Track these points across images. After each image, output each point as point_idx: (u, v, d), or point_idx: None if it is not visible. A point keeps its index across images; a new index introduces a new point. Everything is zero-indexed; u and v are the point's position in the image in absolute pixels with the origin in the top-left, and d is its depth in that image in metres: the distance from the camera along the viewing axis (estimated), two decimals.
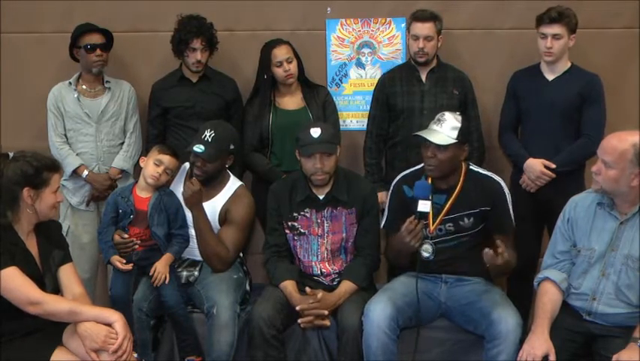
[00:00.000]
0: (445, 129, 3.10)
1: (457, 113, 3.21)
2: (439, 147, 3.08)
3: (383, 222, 3.37)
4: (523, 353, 2.79)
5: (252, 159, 3.86)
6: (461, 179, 3.19)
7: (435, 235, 3.20)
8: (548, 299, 2.91)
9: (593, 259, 2.88)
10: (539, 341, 2.78)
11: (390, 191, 3.35)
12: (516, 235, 3.23)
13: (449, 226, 3.18)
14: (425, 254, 3.20)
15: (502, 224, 3.18)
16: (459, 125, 3.11)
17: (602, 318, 2.85)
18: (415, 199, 3.02)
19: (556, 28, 3.54)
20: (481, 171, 3.26)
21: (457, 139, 3.09)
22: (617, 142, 2.77)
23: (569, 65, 3.67)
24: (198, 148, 3.30)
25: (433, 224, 3.18)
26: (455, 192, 3.17)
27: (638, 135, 2.76)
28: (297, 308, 3.16)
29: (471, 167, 3.25)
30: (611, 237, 2.86)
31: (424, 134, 3.14)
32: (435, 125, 3.14)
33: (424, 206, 3.00)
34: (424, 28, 3.69)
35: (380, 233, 3.43)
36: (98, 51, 3.83)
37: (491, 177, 3.23)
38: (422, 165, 3.22)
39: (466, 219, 3.17)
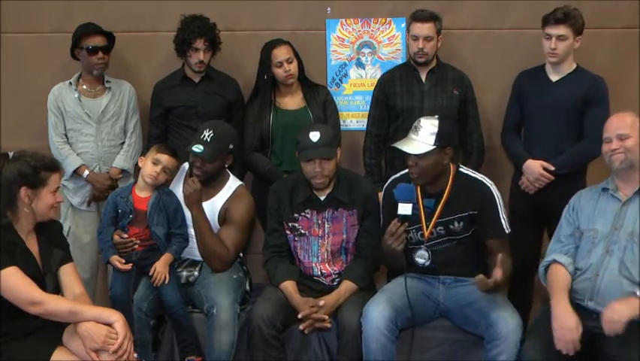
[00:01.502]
0: (422, 137, 3.08)
1: (435, 116, 3.16)
2: (418, 155, 3.07)
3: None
4: (557, 332, 2.76)
5: (252, 159, 3.86)
6: (449, 182, 3.17)
7: (427, 238, 3.20)
8: (562, 276, 2.93)
9: (597, 238, 2.91)
10: (565, 315, 2.79)
11: (382, 195, 3.35)
12: (512, 238, 3.21)
13: (440, 230, 3.18)
14: (420, 260, 3.20)
15: (490, 228, 3.13)
16: (436, 129, 3.07)
17: (604, 303, 2.82)
18: (396, 202, 3.02)
19: (561, 29, 3.49)
20: (470, 173, 3.24)
21: (435, 144, 3.06)
22: (621, 117, 2.97)
23: (574, 66, 3.64)
24: (197, 148, 3.30)
25: (427, 229, 3.18)
26: (444, 196, 3.16)
27: (631, 112, 2.98)
28: (300, 316, 3.16)
29: (460, 169, 3.23)
30: (614, 217, 2.90)
31: (400, 145, 3.13)
32: (412, 134, 3.12)
33: (404, 209, 3.00)
34: (423, 29, 3.68)
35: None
36: (100, 54, 3.83)
37: (480, 180, 3.20)
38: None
39: (456, 223, 3.16)
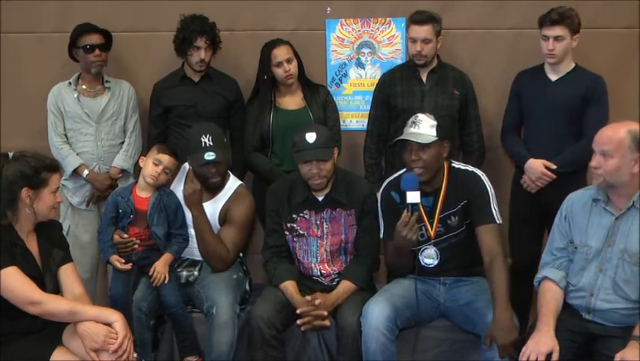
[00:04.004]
0: (424, 129, 3.11)
1: (428, 114, 3.21)
2: (422, 147, 3.08)
3: (382, 234, 3.32)
4: (527, 349, 2.77)
5: (252, 159, 3.86)
6: (445, 178, 3.19)
7: (427, 238, 3.20)
8: (551, 297, 2.91)
9: (590, 255, 2.87)
10: (544, 338, 2.77)
11: (379, 200, 3.34)
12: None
13: (439, 227, 3.19)
14: (429, 260, 3.20)
15: (481, 214, 3.11)
16: (435, 122, 3.12)
17: (601, 316, 2.84)
18: (403, 192, 3.03)
19: (557, 30, 3.50)
20: (461, 167, 3.25)
21: (437, 136, 3.09)
22: (612, 131, 2.80)
23: (572, 65, 3.64)
24: (210, 156, 3.29)
25: (432, 227, 3.18)
26: (442, 193, 3.17)
27: (629, 124, 2.80)
28: (298, 312, 3.16)
29: (452, 164, 3.25)
30: (607, 232, 2.86)
31: (405, 137, 3.14)
32: (412, 128, 3.14)
33: (413, 197, 3.00)
34: (421, 31, 3.67)
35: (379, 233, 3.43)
36: (97, 51, 3.83)
37: (471, 171, 3.22)
38: (404, 169, 3.20)
39: (452, 218, 3.17)
